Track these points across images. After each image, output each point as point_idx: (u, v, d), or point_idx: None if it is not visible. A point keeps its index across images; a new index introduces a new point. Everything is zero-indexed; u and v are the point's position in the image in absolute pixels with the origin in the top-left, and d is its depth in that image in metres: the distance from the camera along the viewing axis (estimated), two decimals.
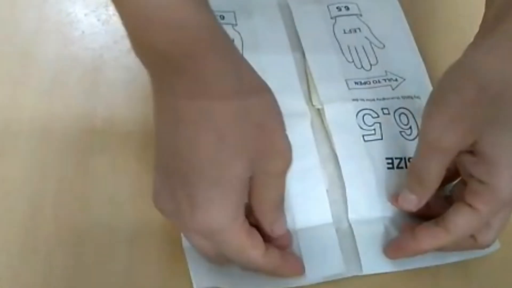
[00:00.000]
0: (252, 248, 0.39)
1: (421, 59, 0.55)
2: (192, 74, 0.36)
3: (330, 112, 0.50)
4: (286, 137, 0.39)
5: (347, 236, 0.46)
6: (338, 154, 0.48)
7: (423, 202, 0.44)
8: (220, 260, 0.42)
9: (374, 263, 0.44)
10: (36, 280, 0.43)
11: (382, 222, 0.46)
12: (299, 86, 0.52)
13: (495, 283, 0.45)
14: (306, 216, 0.45)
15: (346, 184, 0.47)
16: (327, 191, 0.47)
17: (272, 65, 0.52)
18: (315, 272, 0.43)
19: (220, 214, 0.37)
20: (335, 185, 0.48)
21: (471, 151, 0.40)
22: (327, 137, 0.50)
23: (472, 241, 0.43)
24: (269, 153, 0.38)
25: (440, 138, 0.40)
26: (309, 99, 0.52)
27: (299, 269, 0.43)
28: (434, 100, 0.42)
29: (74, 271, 0.43)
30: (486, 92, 0.39)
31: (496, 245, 0.45)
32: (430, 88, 0.53)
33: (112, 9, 0.57)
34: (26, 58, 0.53)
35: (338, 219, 0.46)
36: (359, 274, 0.44)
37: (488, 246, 0.43)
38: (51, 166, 0.48)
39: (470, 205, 0.40)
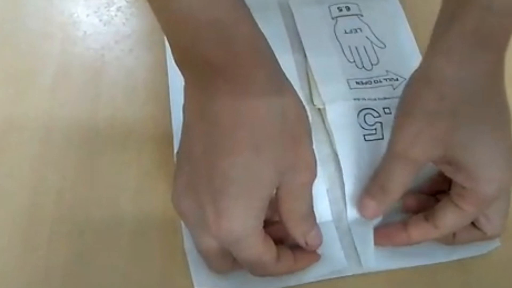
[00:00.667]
0: (266, 255, 0.40)
1: (421, 59, 0.55)
2: (237, 82, 0.36)
3: (331, 112, 0.50)
4: (312, 149, 0.40)
5: (347, 234, 0.46)
6: (338, 153, 0.48)
7: (381, 209, 0.44)
8: (222, 268, 0.42)
9: (373, 260, 0.44)
10: (37, 277, 0.43)
11: (381, 220, 0.46)
12: (299, 86, 0.52)
13: (493, 279, 0.45)
14: None
15: (345, 183, 0.47)
16: (327, 190, 0.47)
17: None
18: (316, 269, 0.43)
19: (245, 222, 0.37)
20: (335, 184, 0.48)
21: (446, 162, 0.41)
22: (327, 138, 0.50)
23: (480, 234, 0.43)
24: (297, 165, 0.39)
25: (408, 149, 0.41)
26: (310, 100, 0.52)
27: (313, 259, 0.43)
28: (401, 110, 0.43)
29: (75, 269, 0.43)
30: (447, 101, 0.40)
31: (496, 243, 0.45)
32: None
33: (113, 10, 0.57)
34: (29, 58, 0.54)
35: (339, 218, 0.46)
36: (359, 272, 0.44)
37: (497, 235, 0.44)
38: (53, 165, 0.48)
39: (457, 205, 0.41)
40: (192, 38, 0.35)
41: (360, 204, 0.45)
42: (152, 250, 0.44)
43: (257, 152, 0.37)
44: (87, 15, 0.57)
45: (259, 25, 0.55)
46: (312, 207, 0.41)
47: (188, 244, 0.44)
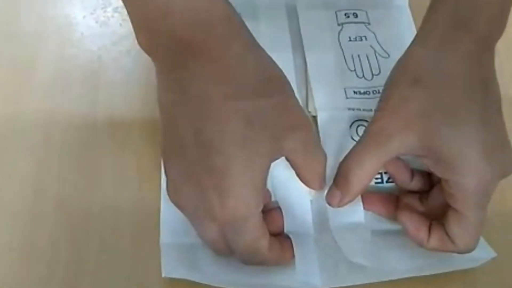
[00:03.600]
0: (262, 240, 0.40)
1: None
2: (213, 57, 0.37)
3: (323, 120, 0.49)
4: (299, 105, 0.40)
5: (327, 246, 0.44)
6: None
7: (345, 201, 0.43)
8: (228, 251, 0.42)
9: (354, 272, 0.42)
10: (38, 282, 0.43)
11: (366, 230, 0.44)
12: (296, 90, 0.49)
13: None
14: (288, 222, 0.44)
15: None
16: (311, 201, 0.46)
17: None
18: (289, 278, 0.42)
19: (248, 200, 0.37)
20: (321, 195, 0.46)
21: (423, 154, 0.40)
22: None
23: (452, 245, 0.41)
24: (295, 127, 0.39)
25: (379, 135, 0.41)
26: (306, 104, 0.51)
27: None
28: (380, 98, 0.43)
29: (76, 274, 0.44)
30: (420, 86, 0.39)
31: (491, 253, 0.43)
32: None
33: (110, 11, 0.58)
34: (26, 61, 0.54)
35: (320, 229, 0.45)
36: (335, 285, 0.43)
37: (469, 249, 0.42)
38: (53, 166, 0.48)
39: (454, 209, 0.40)
40: (160, 15, 0.36)
41: (328, 192, 0.44)
42: (156, 249, 0.43)
43: (250, 125, 0.37)
44: (84, 17, 0.57)
45: (263, 27, 0.56)
46: (326, 157, 0.42)
47: (164, 239, 0.44)
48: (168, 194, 0.39)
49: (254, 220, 0.38)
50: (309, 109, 0.51)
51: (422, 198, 0.44)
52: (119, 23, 0.57)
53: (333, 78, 0.52)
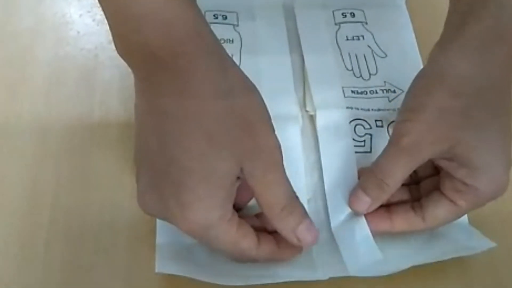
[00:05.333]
0: (243, 242, 0.39)
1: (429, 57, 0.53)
2: (179, 74, 0.37)
3: (322, 119, 0.49)
4: (272, 134, 0.39)
5: (325, 245, 0.44)
6: (322, 163, 0.47)
7: (375, 206, 0.43)
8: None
9: (360, 266, 0.43)
10: (35, 281, 0.43)
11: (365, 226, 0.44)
12: (293, 90, 0.51)
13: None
14: None
15: (327, 195, 0.46)
16: (308, 200, 0.46)
17: (269, 68, 0.52)
18: (286, 272, 0.42)
19: (208, 213, 0.37)
20: (318, 194, 0.47)
21: (448, 157, 0.41)
22: (316, 145, 0.49)
23: (419, 222, 0.43)
24: (255, 151, 0.38)
25: (416, 145, 0.40)
26: (303, 104, 0.51)
27: (297, 250, 0.42)
28: (409, 105, 0.42)
29: (72, 273, 0.43)
30: (460, 98, 0.40)
31: (490, 244, 0.43)
32: None
33: None
34: (22, 59, 0.54)
35: (318, 228, 0.44)
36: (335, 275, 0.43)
37: (435, 228, 0.44)
38: (48, 166, 0.48)
39: (451, 200, 0.41)
40: (133, 28, 0.36)
41: (353, 198, 0.44)
42: (151, 252, 0.43)
43: (210, 142, 0.37)
44: (80, 15, 0.57)
45: (260, 26, 0.56)
46: (294, 196, 0.40)
47: (160, 239, 0.44)
48: (137, 202, 0.40)
49: (221, 229, 0.38)
50: (307, 108, 0.51)
51: (411, 190, 0.45)
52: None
53: (331, 77, 0.52)
